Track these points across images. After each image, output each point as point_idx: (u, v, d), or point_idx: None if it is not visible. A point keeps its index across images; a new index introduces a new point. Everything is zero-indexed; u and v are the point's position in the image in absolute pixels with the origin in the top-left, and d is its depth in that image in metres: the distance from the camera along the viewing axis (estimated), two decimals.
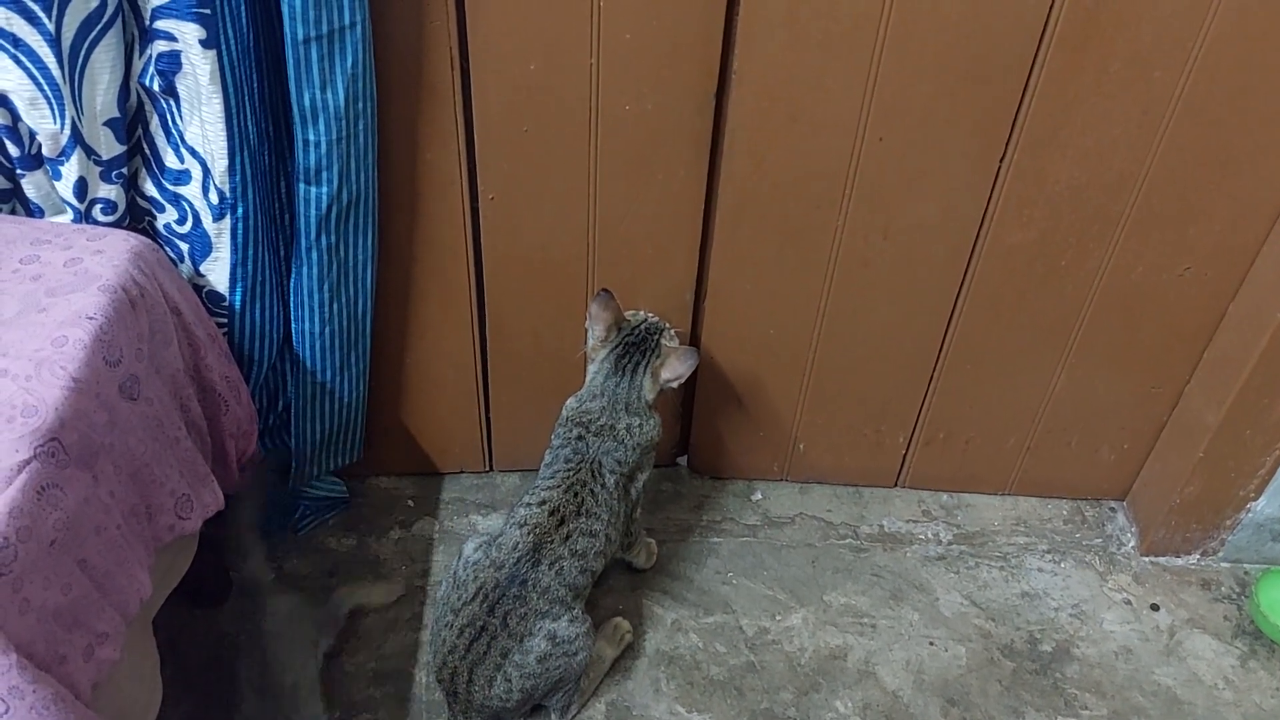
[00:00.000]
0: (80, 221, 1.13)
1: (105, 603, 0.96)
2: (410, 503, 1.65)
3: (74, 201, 1.10)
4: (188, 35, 1.02)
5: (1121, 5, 1.18)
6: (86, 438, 0.95)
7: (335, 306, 1.31)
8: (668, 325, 1.38)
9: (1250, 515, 1.61)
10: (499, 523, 1.61)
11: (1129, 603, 1.60)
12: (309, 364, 1.35)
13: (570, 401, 1.39)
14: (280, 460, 1.47)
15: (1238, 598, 1.62)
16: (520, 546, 1.26)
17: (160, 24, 1.02)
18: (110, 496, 0.99)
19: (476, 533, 1.59)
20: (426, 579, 1.53)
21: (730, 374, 1.58)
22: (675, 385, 1.36)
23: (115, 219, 1.15)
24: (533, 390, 1.58)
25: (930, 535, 1.68)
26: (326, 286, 1.28)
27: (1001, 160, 1.32)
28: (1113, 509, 1.75)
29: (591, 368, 1.38)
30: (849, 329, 1.51)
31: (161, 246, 1.19)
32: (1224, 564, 1.68)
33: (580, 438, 1.34)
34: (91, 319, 0.99)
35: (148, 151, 1.15)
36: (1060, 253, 1.42)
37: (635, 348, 1.34)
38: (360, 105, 1.15)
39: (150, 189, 1.17)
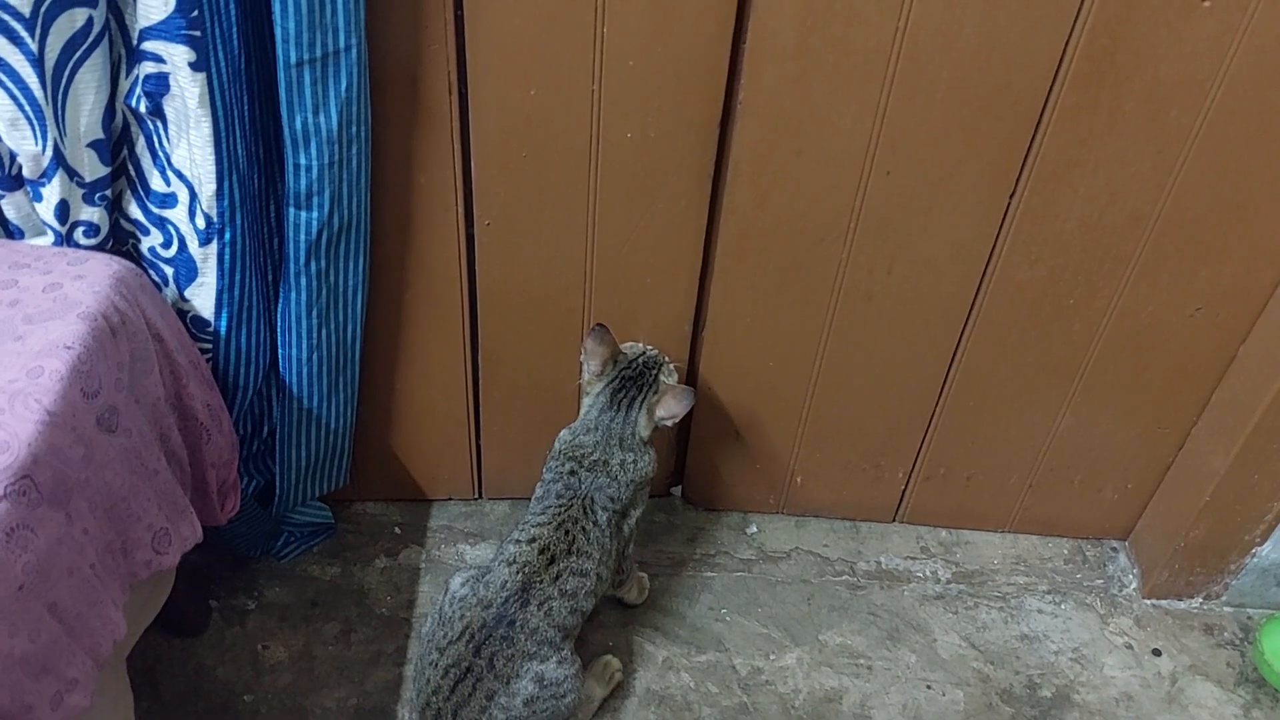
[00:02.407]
0: (61, 244, 1.09)
1: (76, 647, 0.93)
2: (397, 530, 1.61)
3: (55, 224, 1.07)
4: (176, 57, 0.98)
5: (1140, 44, 1.15)
6: (61, 474, 0.91)
7: (324, 332, 1.27)
8: (667, 360, 1.34)
9: (1255, 560, 1.58)
10: (487, 553, 1.58)
11: (1130, 647, 1.57)
12: (296, 390, 1.31)
13: (564, 434, 1.35)
14: (265, 486, 1.43)
15: (1241, 644, 1.59)
16: (509, 585, 1.22)
17: (148, 45, 0.99)
18: (84, 535, 0.95)
19: (464, 564, 1.55)
20: (412, 610, 1.49)
21: (728, 405, 1.55)
22: (670, 424, 1.32)
23: (98, 242, 1.11)
24: (525, 418, 1.54)
25: (929, 573, 1.65)
26: (315, 312, 1.24)
27: (1011, 197, 1.29)
28: (1114, 549, 1.72)
29: (586, 400, 1.34)
30: (850, 363, 1.48)
31: (145, 270, 1.16)
32: (1227, 609, 1.64)
33: (573, 473, 1.30)
34: (69, 348, 0.95)
35: (133, 173, 1.11)
36: (1069, 291, 1.39)
37: (632, 382, 1.31)
38: (354, 129, 1.12)
39: (135, 212, 1.13)
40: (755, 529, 1.69)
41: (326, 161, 1.11)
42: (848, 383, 1.51)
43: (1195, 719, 1.48)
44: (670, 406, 1.30)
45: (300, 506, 1.50)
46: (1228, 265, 1.34)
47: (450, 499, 1.67)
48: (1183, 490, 1.57)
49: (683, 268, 1.40)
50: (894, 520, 1.72)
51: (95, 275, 1.03)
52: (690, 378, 1.53)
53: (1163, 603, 1.64)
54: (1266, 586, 1.62)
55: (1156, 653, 1.56)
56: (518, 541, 1.27)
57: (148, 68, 1.00)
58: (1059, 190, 1.28)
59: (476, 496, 1.67)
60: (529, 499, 1.37)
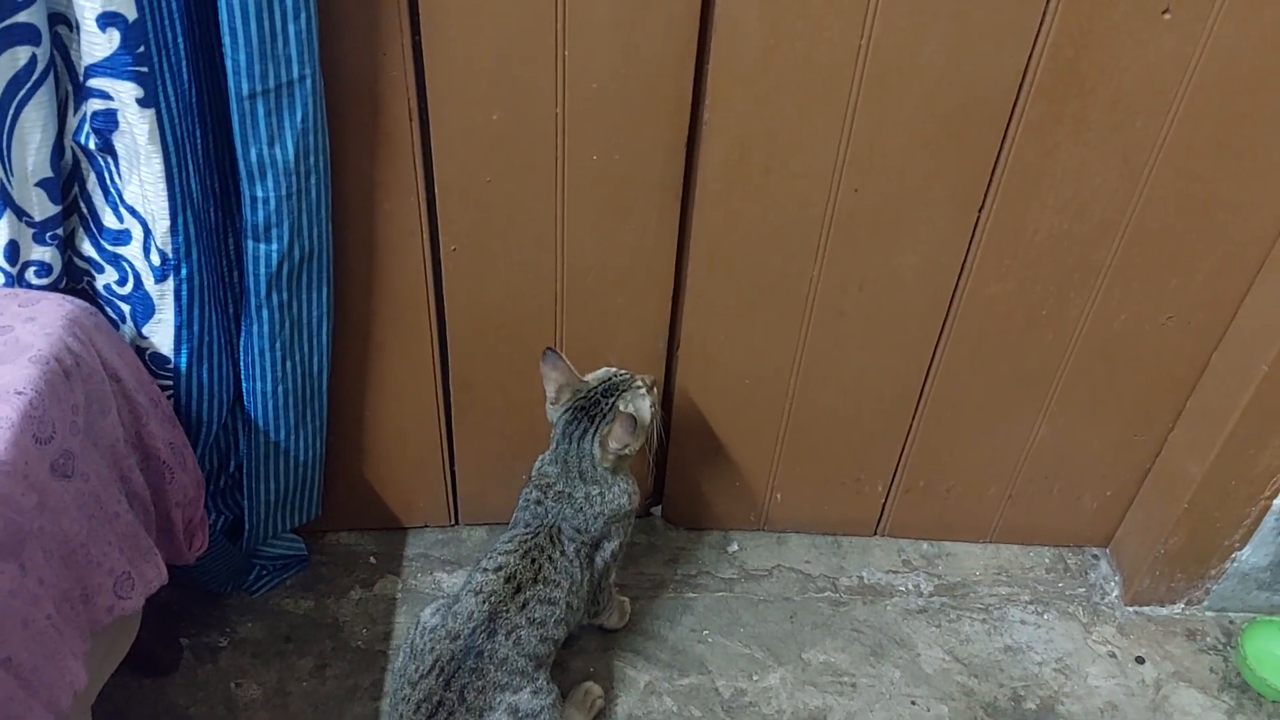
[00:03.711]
0: (12, 285, 1.06)
1: (33, 702, 0.90)
2: (372, 560, 1.58)
3: (5, 265, 1.04)
4: (124, 94, 0.96)
5: (1103, 54, 1.15)
6: (13, 525, 0.88)
7: (289, 365, 1.25)
8: (639, 381, 1.30)
9: (1235, 564, 1.57)
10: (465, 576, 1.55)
11: (1114, 655, 1.56)
12: (262, 424, 1.28)
13: (537, 461, 1.33)
14: (233, 521, 1.41)
15: (1224, 648, 1.58)
16: (475, 616, 1.20)
17: (94, 82, 0.96)
18: (39, 585, 0.92)
19: (441, 592, 1.53)
20: (388, 643, 1.47)
21: (705, 423, 1.53)
22: (629, 452, 1.27)
23: (51, 281, 1.08)
24: (500, 443, 1.52)
25: (911, 586, 1.64)
26: (279, 345, 1.22)
27: (980, 210, 1.29)
28: (1095, 556, 1.71)
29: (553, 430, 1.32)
30: (826, 378, 1.47)
31: (101, 308, 1.13)
32: (1209, 613, 1.64)
33: (539, 502, 1.28)
34: (21, 394, 0.93)
35: (85, 211, 1.08)
36: (1041, 302, 1.38)
37: (584, 413, 1.26)
38: (312, 160, 1.10)
39: (88, 249, 1.11)
40: (736, 547, 1.67)
41: (284, 193, 1.09)
42: (824, 398, 1.50)
43: None
44: (620, 436, 1.24)
45: (271, 540, 1.47)
46: (1198, 273, 1.34)
47: (426, 526, 1.64)
48: (1161, 497, 1.57)
49: (655, 287, 1.39)
50: (875, 534, 1.71)
51: (47, 316, 1.01)
52: (666, 396, 1.52)
53: (1145, 609, 1.63)
54: (1247, 590, 1.61)
55: (1140, 660, 1.56)
56: (485, 570, 1.25)
57: (95, 105, 0.98)
58: (1027, 202, 1.27)
59: (453, 523, 1.65)
60: (507, 524, 1.35)
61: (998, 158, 1.23)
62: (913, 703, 1.46)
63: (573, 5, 1.11)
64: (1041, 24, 1.13)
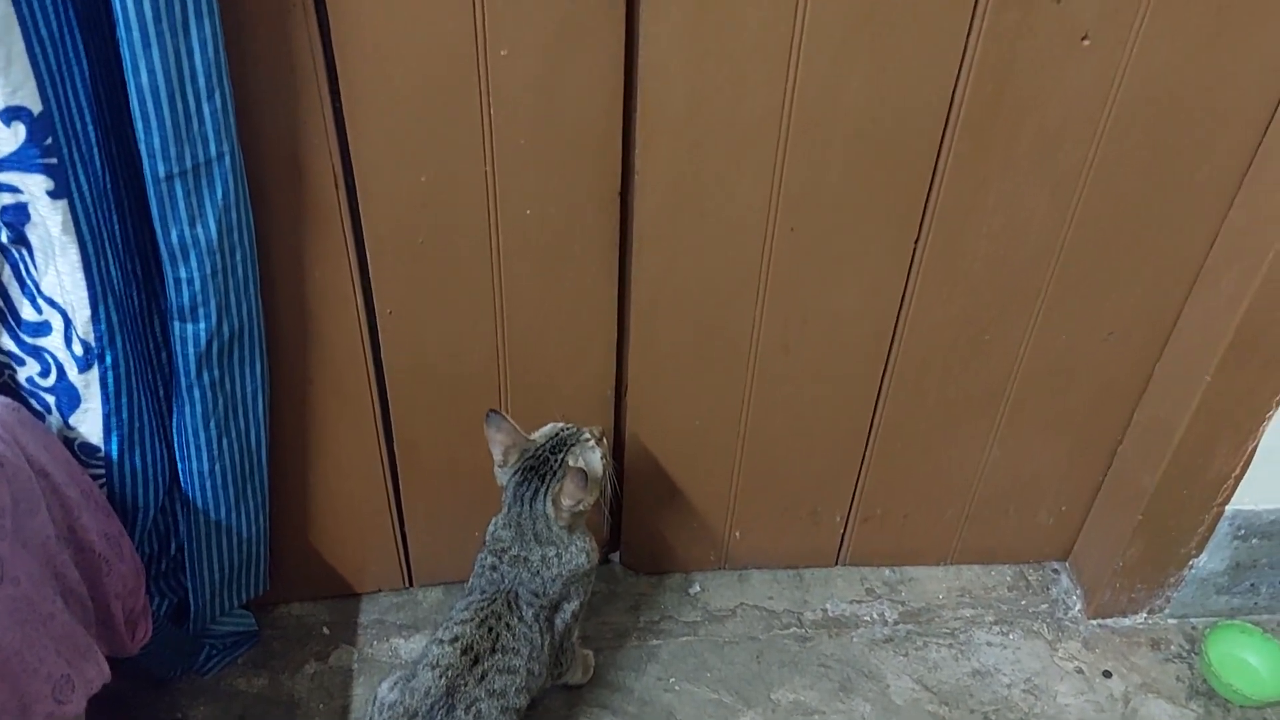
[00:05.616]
0: None
1: None
2: (325, 630, 1.54)
3: None
4: (33, 187, 0.93)
5: (1025, 86, 1.16)
6: None
7: (225, 442, 1.21)
8: (587, 435, 1.28)
9: (1194, 571, 1.59)
10: (422, 645, 1.52)
11: (1081, 671, 1.56)
12: (200, 504, 1.25)
13: (490, 525, 1.30)
14: (178, 603, 1.36)
15: (1188, 655, 1.59)
16: (433, 692, 1.16)
17: (2, 177, 0.93)
18: None
19: (399, 659, 1.49)
20: (346, 717, 1.42)
21: (658, 467, 1.52)
22: (583, 508, 1.24)
23: None
24: (449, 501, 1.50)
25: (876, 616, 1.63)
26: (213, 423, 1.18)
27: (916, 242, 1.29)
28: (1056, 570, 1.72)
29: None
30: (776, 415, 1.46)
31: (25, 401, 1.09)
32: (1171, 621, 1.65)
33: (494, 567, 1.25)
34: None
35: (1, 304, 1.05)
36: (983, 327, 1.39)
37: (534, 473, 1.23)
38: (236, 236, 1.07)
39: (7, 343, 1.07)
40: (698, 588, 1.66)
41: (209, 272, 1.06)
42: (776, 433, 1.49)
43: None
44: (571, 493, 1.20)
45: (220, 617, 1.43)
46: (1134, 290, 1.36)
47: (380, 591, 1.60)
48: (1116, 510, 1.58)
49: (598, 336, 1.38)
50: (836, 564, 1.70)
51: None
52: (617, 442, 1.50)
53: (1108, 622, 1.64)
54: (1207, 595, 1.63)
55: (1107, 674, 1.56)
56: (440, 641, 1.21)
57: (4, 199, 0.94)
58: (962, 232, 1.28)
59: (407, 585, 1.61)
60: (463, 582, 1.32)
61: (929, 191, 1.24)
62: None
63: (495, 63, 1.10)
64: (963, 60, 1.13)
